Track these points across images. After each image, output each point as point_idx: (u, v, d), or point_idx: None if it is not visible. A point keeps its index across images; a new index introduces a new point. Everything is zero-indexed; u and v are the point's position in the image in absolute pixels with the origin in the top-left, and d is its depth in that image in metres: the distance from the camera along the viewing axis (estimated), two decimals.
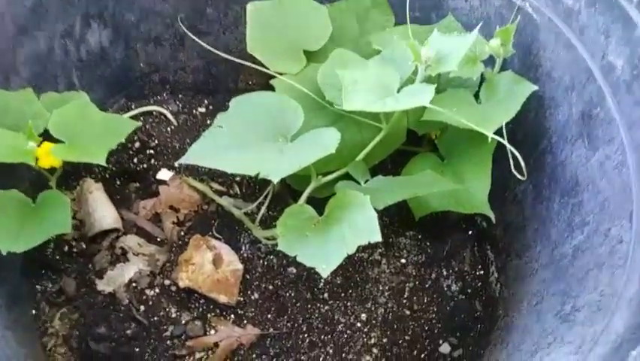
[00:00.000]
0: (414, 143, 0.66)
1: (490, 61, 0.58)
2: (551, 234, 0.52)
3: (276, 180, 0.45)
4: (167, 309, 0.58)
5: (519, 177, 0.50)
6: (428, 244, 0.67)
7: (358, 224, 0.46)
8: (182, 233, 0.63)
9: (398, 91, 0.54)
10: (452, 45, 0.52)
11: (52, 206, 0.51)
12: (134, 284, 0.58)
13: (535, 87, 0.54)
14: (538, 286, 0.50)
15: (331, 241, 0.46)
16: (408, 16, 0.61)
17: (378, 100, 0.50)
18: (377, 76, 0.54)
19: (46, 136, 0.53)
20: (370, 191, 0.53)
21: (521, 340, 0.47)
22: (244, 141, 0.51)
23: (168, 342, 0.57)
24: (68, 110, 0.52)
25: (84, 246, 0.60)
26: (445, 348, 0.61)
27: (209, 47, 0.64)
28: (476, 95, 0.60)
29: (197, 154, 0.49)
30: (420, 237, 0.67)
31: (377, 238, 0.45)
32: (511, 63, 0.58)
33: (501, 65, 0.58)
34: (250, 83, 0.76)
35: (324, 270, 0.44)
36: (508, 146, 0.49)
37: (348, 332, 0.60)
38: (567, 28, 0.51)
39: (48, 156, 0.51)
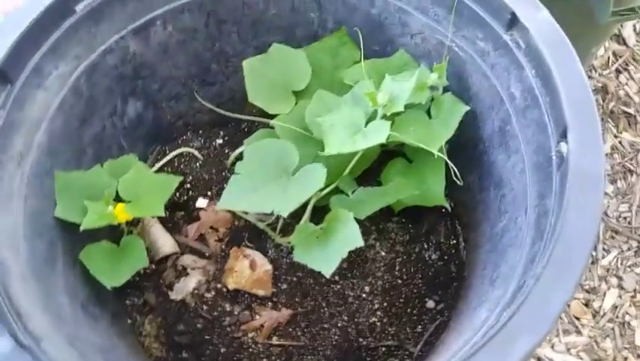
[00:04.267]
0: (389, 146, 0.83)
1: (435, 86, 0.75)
2: (490, 216, 0.70)
3: (285, 215, 0.65)
4: (223, 305, 0.78)
5: (458, 182, 0.68)
6: (410, 225, 0.85)
7: (346, 235, 0.65)
8: (223, 247, 0.83)
9: (365, 125, 0.72)
10: (399, 89, 0.69)
11: (132, 247, 0.71)
12: (196, 291, 0.78)
13: (468, 107, 0.71)
14: (484, 255, 0.69)
15: (329, 249, 0.65)
16: (362, 56, 0.78)
17: (349, 139, 0.68)
18: (348, 116, 0.71)
19: (116, 198, 0.73)
20: (355, 204, 0.72)
21: (473, 297, 0.66)
22: (257, 183, 0.69)
23: (227, 328, 0.77)
24: (129, 177, 0.71)
25: (154, 267, 0.81)
26: (430, 304, 0.79)
27: (205, 103, 0.83)
28: (428, 111, 0.77)
29: (227, 201, 0.68)
30: (403, 221, 0.85)
31: (360, 244, 0.64)
32: (450, 86, 0.74)
33: (443, 88, 0.75)
34: (253, 111, 0.94)
35: (327, 272, 0.64)
36: (448, 162, 0.67)
37: (357, 302, 0.79)
38: (483, 63, 0.67)
39: (122, 214, 0.70)
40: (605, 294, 0.91)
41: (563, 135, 0.52)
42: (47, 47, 0.66)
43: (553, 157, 0.54)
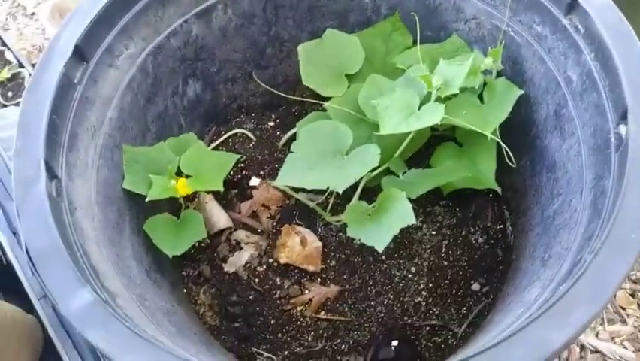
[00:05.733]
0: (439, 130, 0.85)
1: (489, 70, 0.76)
2: (541, 199, 0.71)
3: (340, 191, 0.67)
4: (274, 279, 0.81)
5: (510, 164, 0.69)
6: (457, 209, 0.86)
7: (399, 212, 0.67)
8: (275, 223, 0.86)
9: (419, 107, 0.73)
10: (454, 73, 0.70)
11: (192, 220, 0.75)
12: (248, 265, 0.82)
13: (522, 92, 0.71)
14: (534, 238, 0.70)
15: (382, 226, 0.68)
16: (418, 40, 0.79)
17: (404, 121, 0.70)
18: (402, 99, 0.73)
19: (177, 173, 0.77)
20: (406, 184, 0.74)
21: (522, 278, 0.67)
22: (313, 162, 0.72)
23: (277, 301, 0.80)
24: (191, 154, 0.75)
25: (209, 241, 0.85)
26: (475, 286, 0.81)
27: (263, 84, 0.86)
28: (480, 95, 0.78)
29: (284, 177, 0.71)
30: (450, 204, 0.87)
31: (412, 221, 0.66)
32: (504, 70, 0.75)
33: (497, 72, 0.76)
34: (304, 95, 0.96)
35: (380, 247, 0.67)
36: (502, 144, 0.68)
37: (403, 281, 0.82)
38: (539, 47, 0.68)
39: (184, 188, 0.74)
40: None
41: (623, 117, 0.53)
42: (119, 29, 0.70)
43: (612, 139, 0.54)
